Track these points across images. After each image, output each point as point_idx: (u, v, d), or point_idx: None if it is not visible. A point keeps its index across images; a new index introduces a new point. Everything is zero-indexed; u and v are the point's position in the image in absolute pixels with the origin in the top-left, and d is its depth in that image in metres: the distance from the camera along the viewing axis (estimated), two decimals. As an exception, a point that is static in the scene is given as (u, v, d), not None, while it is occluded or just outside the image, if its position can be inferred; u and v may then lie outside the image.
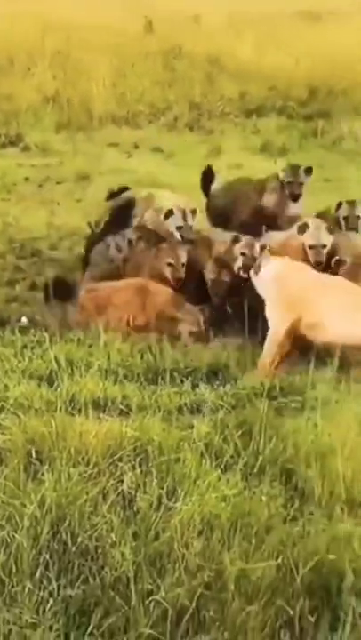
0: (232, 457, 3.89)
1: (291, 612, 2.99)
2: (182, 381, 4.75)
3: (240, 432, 4.04)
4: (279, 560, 3.18)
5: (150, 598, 3.03)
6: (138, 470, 3.72)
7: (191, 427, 4.12)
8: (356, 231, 6.16)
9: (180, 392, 4.60)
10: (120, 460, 3.79)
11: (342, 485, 3.61)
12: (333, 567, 3.12)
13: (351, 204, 6.27)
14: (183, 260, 5.54)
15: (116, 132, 11.04)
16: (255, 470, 3.80)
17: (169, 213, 5.97)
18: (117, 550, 3.23)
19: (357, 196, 8.05)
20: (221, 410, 4.33)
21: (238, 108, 11.80)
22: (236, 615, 2.98)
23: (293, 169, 6.61)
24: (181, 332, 5.42)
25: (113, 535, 3.32)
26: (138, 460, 3.80)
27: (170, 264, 5.52)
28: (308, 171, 6.58)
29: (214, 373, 4.99)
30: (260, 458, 3.87)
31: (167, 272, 5.53)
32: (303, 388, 4.41)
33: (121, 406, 4.39)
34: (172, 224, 5.97)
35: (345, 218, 6.21)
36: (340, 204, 6.28)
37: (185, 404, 4.46)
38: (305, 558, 3.16)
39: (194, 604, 3.00)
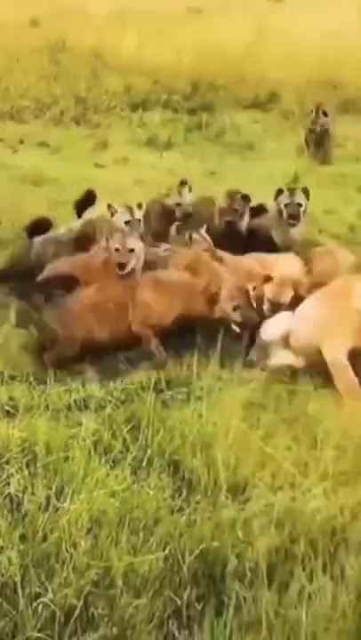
0: (121, 452, 3.89)
1: (178, 602, 3.03)
2: (72, 379, 4.71)
3: (129, 427, 4.05)
4: (166, 551, 3.22)
5: (38, 601, 3.00)
6: (25, 472, 3.66)
7: (80, 424, 4.09)
8: (298, 219, 6.06)
9: (69, 390, 4.56)
10: (7, 462, 3.72)
11: (226, 472, 3.68)
12: (218, 554, 3.18)
13: (292, 191, 6.15)
14: (131, 246, 5.35)
15: (1, 127, 10.80)
16: (144, 464, 3.82)
17: (113, 210, 5.90)
18: (4, 555, 3.18)
19: (239, 187, 8.30)
20: (110, 405, 4.32)
21: (124, 102, 11.78)
22: (124, 610, 2.99)
23: (291, 191, 6.27)
24: (226, 310, 5.17)
25: (0, 540, 3.26)
26: (25, 461, 3.74)
27: (117, 249, 5.35)
28: (306, 192, 6.23)
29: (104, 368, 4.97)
30: (149, 451, 3.89)
31: (114, 256, 5.34)
32: (189, 379, 4.46)
33: (7, 407, 4.32)
34: (120, 219, 5.88)
35: (286, 205, 6.07)
36: (280, 192, 6.12)
37: (74, 402, 4.43)
38: (191, 547, 3.21)
39: (82, 603, 2.99)
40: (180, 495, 3.62)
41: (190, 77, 11.55)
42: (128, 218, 5.89)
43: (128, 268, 5.28)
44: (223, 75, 11.50)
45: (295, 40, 12.05)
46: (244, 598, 2.97)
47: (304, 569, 3.07)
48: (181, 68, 11.64)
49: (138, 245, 5.37)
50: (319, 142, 9.04)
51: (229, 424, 3.95)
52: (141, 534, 3.32)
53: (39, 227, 6.31)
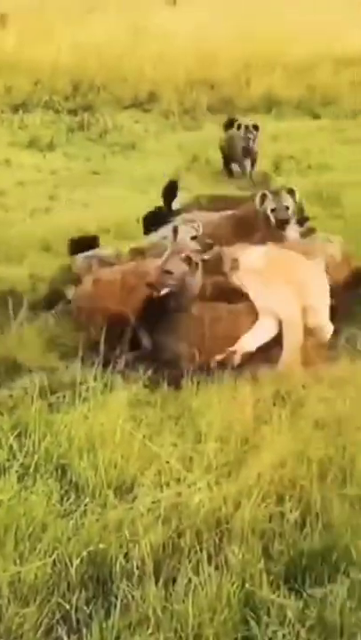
0: (7, 460, 3.82)
1: (67, 607, 3.01)
2: None
3: (15, 434, 3.98)
4: (54, 557, 3.19)
5: None
6: None
7: None
8: (287, 222, 5.66)
9: None
10: None
11: (114, 472, 3.68)
12: (105, 555, 3.17)
13: (276, 194, 5.77)
14: (169, 267, 4.88)
15: None
16: (31, 470, 3.77)
17: (177, 229, 5.39)
18: None
19: (123, 187, 8.35)
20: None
21: (4, 104, 11.55)
22: (11, 620, 2.93)
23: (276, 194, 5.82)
24: None
25: None
26: None
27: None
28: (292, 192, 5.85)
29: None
30: (36, 457, 3.83)
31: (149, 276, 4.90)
32: (73, 381, 4.42)
33: None
34: (184, 236, 5.35)
35: (273, 210, 5.66)
36: (264, 196, 5.71)
37: None
38: (79, 551, 3.19)
39: (-34, 617, 2.92)
40: (68, 499, 3.59)
41: (70, 78, 11.46)
42: (194, 234, 5.45)
43: (161, 291, 4.80)
44: (102, 75, 11.48)
45: (172, 40, 12.18)
46: (132, 597, 2.98)
47: (190, 562, 3.11)
48: (62, 68, 11.52)
49: (179, 269, 4.82)
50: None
51: (116, 424, 3.95)
52: (28, 543, 3.27)
53: (85, 244, 6.00)
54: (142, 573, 3.07)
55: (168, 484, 3.58)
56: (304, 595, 3.00)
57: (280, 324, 4.82)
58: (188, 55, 11.61)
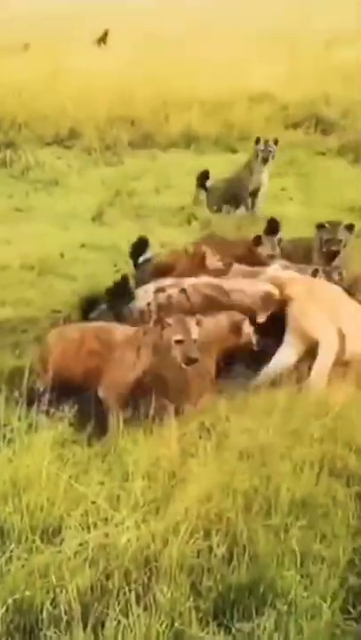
0: None
1: (-7, 659, 2.93)
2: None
3: None
4: (-22, 607, 3.10)
5: None
6: None
7: None
8: (337, 255, 5.94)
9: None
10: None
11: (40, 515, 3.62)
12: (32, 602, 3.11)
13: (334, 226, 6.05)
14: (195, 335, 4.51)
15: None
16: None
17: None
18: None
19: (46, 223, 8.32)
20: None
21: None
22: None
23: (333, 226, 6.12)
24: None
25: None
26: None
27: (180, 341, 4.48)
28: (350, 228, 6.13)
29: None
30: None
31: (177, 351, 4.47)
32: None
33: None
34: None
35: (327, 240, 6.01)
36: (321, 226, 6.05)
37: None
38: (4, 599, 3.11)
39: None
40: (-7, 546, 3.51)
41: (-11, 116, 11.40)
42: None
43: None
44: (24, 113, 11.47)
45: (93, 78, 12.28)
46: (60, 644, 2.92)
47: (119, 603, 3.07)
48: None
49: (196, 331, 4.56)
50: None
51: (41, 465, 3.90)
52: None
53: (141, 247, 6.12)
54: (70, 619, 3.02)
55: (95, 525, 3.54)
56: (233, 630, 3.01)
57: (310, 348, 5.02)
58: (109, 93, 11.73)
